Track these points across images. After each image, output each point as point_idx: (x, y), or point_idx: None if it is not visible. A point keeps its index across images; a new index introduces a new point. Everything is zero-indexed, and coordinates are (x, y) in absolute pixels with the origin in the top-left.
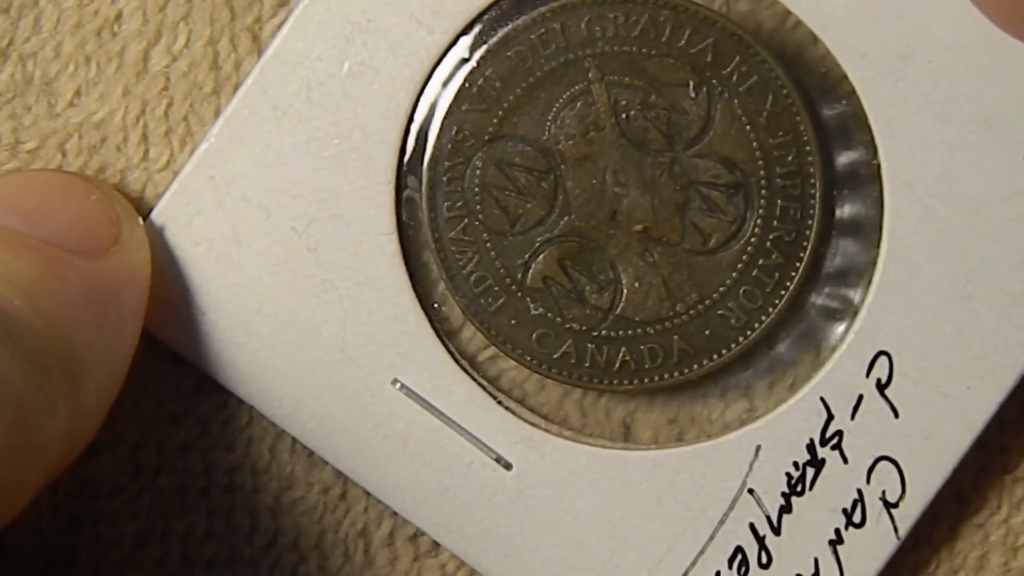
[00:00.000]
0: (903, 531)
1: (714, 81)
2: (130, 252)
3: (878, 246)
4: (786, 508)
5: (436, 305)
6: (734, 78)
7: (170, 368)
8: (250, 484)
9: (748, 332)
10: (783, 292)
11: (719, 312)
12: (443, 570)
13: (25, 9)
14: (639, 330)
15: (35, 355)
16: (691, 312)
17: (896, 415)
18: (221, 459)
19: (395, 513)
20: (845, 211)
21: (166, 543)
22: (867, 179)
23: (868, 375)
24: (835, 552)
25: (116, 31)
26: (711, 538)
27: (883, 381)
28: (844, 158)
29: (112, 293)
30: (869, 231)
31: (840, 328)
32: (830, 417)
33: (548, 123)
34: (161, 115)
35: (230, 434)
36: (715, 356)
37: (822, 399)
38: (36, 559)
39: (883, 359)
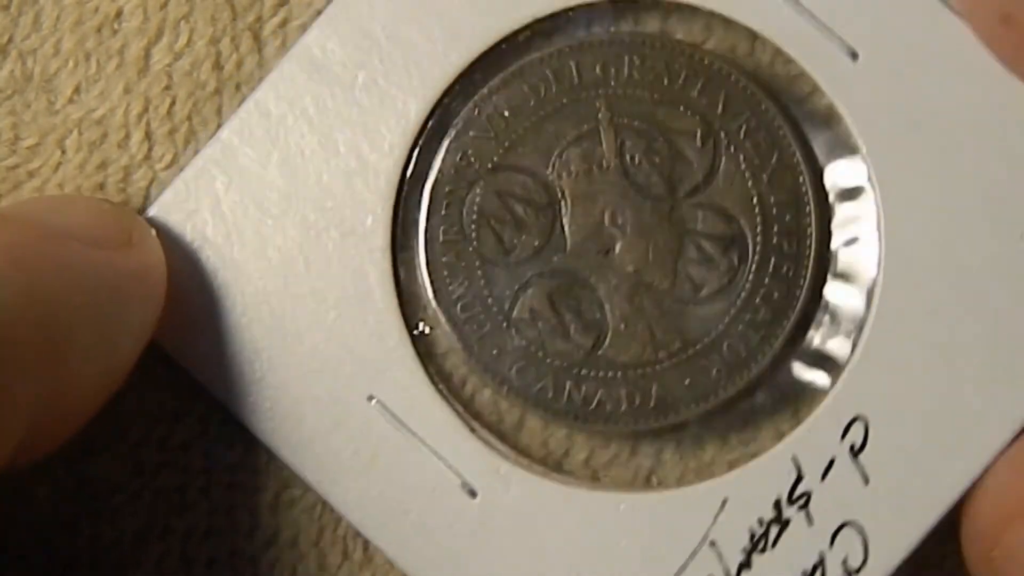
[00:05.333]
0: None
1: (722, 133)
2: (141, 255)
3: (868, 309)
4: (746, 564)
5: (420, 325)
6: (742, 133)
7: (170, 366)
8: (250, 482)
9: (728, 386)
10: (767, 349)
11: (702, 363)
12: None
13: (25, 6)
14: (619, 373)
15: (9, 311)
16: (673, 360)
17: (866, 482)
18: (221, 457)
19: None
20: (839, 271)
21: (166, 541)
22: (865, 244)
23: (843, 438)
24: None
25: (117, 28)
26: None
27: (856, 446)
28: (845, 210)
29: (114, 285)
30: (860, 294)
31: (820, 388)
32: (799, 477)
33: (553, 158)
34: (164, 114)
35: (230, 432)
36: (692, 406)
37: (794, 458)
38: (36, 558)
39: (859, 424)
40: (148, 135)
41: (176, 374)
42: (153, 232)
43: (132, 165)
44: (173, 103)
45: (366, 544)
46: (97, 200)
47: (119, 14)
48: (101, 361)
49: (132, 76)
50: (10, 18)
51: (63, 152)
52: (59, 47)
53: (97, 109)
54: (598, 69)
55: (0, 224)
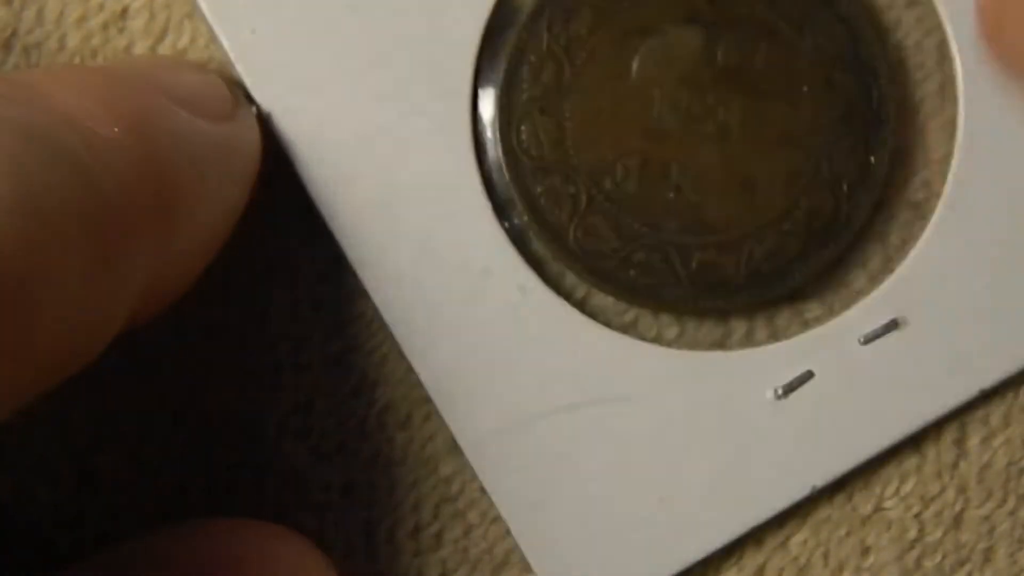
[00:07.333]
0: None
1: None
2: (243, 130)
3: None
4: None
5: None
6: None
7: (172, 363)
8: (252, 481)
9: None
10: None
11: None
12: (444, 566)
13: (28, 1)
14: None
15: (127, 179)
16: None
17: None
18: (223, 456)
19: (395, 508)
20: None
21: None
22: None
23: None
24: None
25: (123, 27)
26: None
27: None
28: None
29: (221, 152)
30: None
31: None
32: None
33: None
34: None
35: (232, 430)
36: None
37: None
38: (37, 558)
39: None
40: None
41: (176, 372)
42: (253, 109)
43: None
44: None
45: (369, 542)
46: (204, 68)
47: (124, 12)
48: (205, 231)
49: None
50: (13, 12)
51: None
52: (64, 43)
53: None
54: None
55: (122, 88)
